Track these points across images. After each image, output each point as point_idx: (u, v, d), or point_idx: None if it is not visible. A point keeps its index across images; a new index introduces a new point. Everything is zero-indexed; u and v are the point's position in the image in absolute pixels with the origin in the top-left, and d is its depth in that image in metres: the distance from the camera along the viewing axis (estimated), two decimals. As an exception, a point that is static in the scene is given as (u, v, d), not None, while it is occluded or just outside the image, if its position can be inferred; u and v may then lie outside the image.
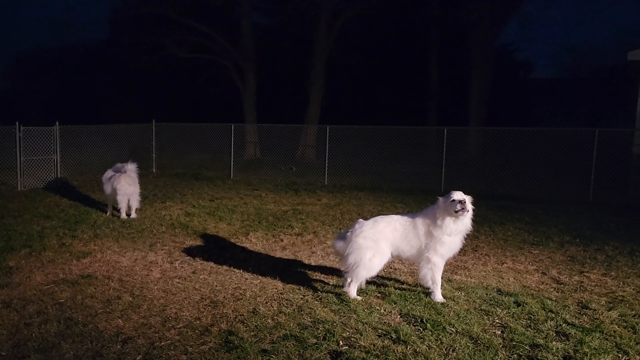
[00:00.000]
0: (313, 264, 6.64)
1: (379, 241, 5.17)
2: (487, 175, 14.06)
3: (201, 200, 11.35)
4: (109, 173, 9.90)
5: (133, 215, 9.54)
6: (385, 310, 4.92)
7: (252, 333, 4.39)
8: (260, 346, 4.13)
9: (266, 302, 5.15)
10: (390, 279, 5.94)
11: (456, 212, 4.93)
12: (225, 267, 6.38)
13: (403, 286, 5.71)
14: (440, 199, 5.16)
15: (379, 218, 5.41)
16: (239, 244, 7.73)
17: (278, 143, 18.45)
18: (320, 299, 5.25)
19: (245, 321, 4.65)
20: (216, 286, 5.68)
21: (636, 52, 13.86)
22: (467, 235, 5.31)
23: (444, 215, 5.03)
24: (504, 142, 14.48)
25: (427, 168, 15.00)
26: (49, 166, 13.83)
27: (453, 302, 5.15)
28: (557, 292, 5.61)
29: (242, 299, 5.25)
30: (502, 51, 31.61)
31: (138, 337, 4.32)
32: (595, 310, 5.01)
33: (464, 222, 5.08)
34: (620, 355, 4.05)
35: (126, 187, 9.46)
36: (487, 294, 5.41)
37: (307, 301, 5.18)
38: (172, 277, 6.02)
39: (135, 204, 9.64)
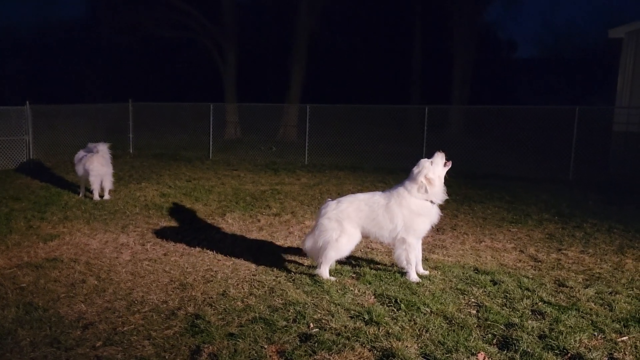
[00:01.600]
0: (289, 244, 6.49)
1: (342, 221, 5.05)
2: (468, 154, 13.96)
3: (178, 181, 11.10)
4: (81, 154, 9.60)
5: (106, 196, 9.28)
6: (359, 291, 4.79)
7: (219, 316, 4.23)
8: (227, 330, 3.97)
9: (237, 284, 4.99)
10: (366, 259, 5.82)
11: (445, 165, 5.05)
12: (198, 249, 6.20)
13: (379, 266, 5.58)
14: (418, 166, 5.14)
15: (343, 198, 5.31)
16: (214, 224, 7.54)
17: (259, 123, 18.14)
18: (293, 280, 5.10)
19: (213, 304, 4.48)
20: (187, 268, 5.50)
21: (617, 29, 13.79)
22: (447, 214, 5.19)
23: (429, 180, 4.97)
24: (485, 120, 14.41)
25: (409, 147, 14.84)
26: (21, 147, 13.43)
27: (429, 281, 5.04)
28: (534, 270, 5.54)
29: (212, 281, 5.08)
30: (486, 30, 31.44)
31: (100, 322, 4.13)
32: (572, 288, 4.93)
33: (443, 186, 5.11)
34: (596, 333, 3.97)
35: (99, 168, 9.17)
36: (463, 273, 5.32)
37: (279, 282, 5.03)
38: (142, 259, 5.82)
39: (108, 184, 9.36)
